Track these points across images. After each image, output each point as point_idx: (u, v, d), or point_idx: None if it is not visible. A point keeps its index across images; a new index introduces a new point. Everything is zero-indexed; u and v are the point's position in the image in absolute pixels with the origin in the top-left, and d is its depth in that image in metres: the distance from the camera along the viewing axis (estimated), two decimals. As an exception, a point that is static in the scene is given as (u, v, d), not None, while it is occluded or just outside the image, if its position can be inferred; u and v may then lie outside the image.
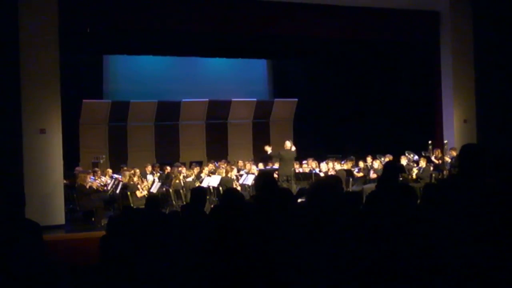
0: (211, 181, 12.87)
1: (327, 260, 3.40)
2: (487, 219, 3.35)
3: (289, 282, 3.48)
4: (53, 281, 4.58)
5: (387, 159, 13.60)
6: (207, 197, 10.32)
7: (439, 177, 13.12)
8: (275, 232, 3.74)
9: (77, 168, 13.71)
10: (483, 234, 3.33)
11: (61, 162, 11.51)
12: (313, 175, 13.55)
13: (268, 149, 13.93)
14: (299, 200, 4.91)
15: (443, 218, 3.53)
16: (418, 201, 4.50)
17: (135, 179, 12.44)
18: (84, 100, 16.13)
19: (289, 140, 13.98)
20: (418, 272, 3.57)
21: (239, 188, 12.40)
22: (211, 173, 13.53)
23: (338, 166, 14.03)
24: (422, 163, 13.56)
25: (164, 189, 12.80)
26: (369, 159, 14.45)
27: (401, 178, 12.61)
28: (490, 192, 3.49)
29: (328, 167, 14.04)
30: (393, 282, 3.61)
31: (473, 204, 3.42)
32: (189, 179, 12.95)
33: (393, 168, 4.91)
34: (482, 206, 3.39)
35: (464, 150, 3.68)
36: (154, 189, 12.32)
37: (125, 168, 13.69)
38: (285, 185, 12.52)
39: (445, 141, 14.40)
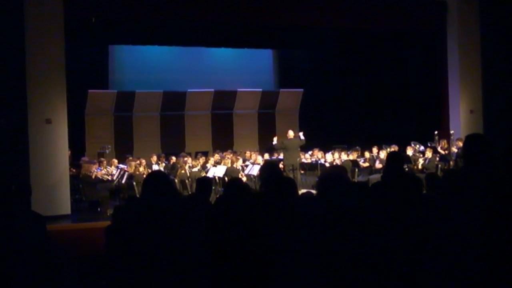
0: (217, 171, 12.88)
1: (330, 251, 3.40)
2: (492, 209, 3.34)
3: (292, 272, 3.48)
4: (58, 271, 4.60)
5: (392, 150, 13.55)
6: (213, 187, 10.32)
7: (445, 167, 13.07)
8: (279, 222, 3.73)
9: (83, 158, 13.75)
10: (487, 225, 3.32)
11: (67, 152, 11.55)
12: (318, 165, 13.53)
13: (274, 139, 13.83)
14: (302, 191, 4.89)
15: (448, 208, 3.52)
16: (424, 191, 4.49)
17: (141, 169, 12.45)
18: (89, 90, 16.15)
19: (292, 129, 13.91)
20: (420, 262, 3.57)
21: (244, 178, 12.41)
22: (217, 163, 13.54)
23: (344, 157, 14.01)
24: (428, 154, 13.48)
25: (169, 179, 12.80)
26: (375, 150, 14.40)
27: (406, 168, 12.58)
28: (495, 183, 3.47)
29: (334, 158, 14.03)
30: (398, 271, 3.61)
31: (478, 194, 3.41)
32: (195, 169, 12.96)
33: (397, 158, 4.88)
34: (487, 197, 3.38)
35: (469, 140, 3.67)
36: (159, 179, 12.29)
37: (131, 158, 13.72)
38: (290, 174, 12.50)
39: (452, 132, 14.34)
